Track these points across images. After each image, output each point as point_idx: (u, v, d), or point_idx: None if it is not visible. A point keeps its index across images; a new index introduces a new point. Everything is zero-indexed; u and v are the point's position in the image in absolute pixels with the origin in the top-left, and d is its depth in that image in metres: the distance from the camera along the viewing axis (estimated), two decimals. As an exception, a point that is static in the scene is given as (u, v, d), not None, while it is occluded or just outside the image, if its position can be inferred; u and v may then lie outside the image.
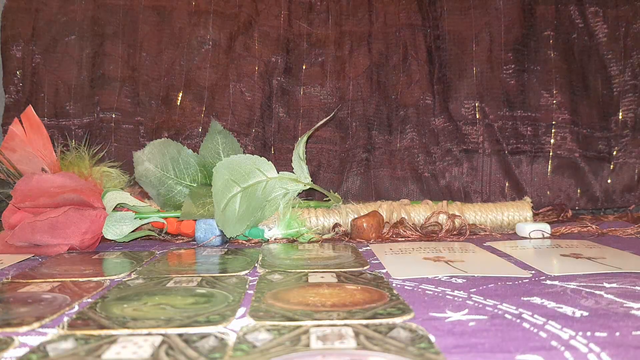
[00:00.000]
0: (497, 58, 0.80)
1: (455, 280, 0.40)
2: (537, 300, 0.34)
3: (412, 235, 0.62)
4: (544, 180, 0.80)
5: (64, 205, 0.54)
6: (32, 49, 0.81)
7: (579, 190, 0.80)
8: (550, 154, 0.79)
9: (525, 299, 0.35)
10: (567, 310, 0.32)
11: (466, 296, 0.35)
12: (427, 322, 0.30)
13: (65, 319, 0.31)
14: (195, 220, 0.59)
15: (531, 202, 0.69)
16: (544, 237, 0.61)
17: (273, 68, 0.81)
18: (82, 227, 0.54)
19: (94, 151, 0.61)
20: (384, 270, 0.44)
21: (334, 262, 0.47)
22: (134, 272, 0.44)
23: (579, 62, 0.80)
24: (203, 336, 0.27)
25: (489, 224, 0.67)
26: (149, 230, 0.61)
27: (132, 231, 0.58)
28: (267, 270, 0.44)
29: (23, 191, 0.53)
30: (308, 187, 0.63)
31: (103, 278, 0.42)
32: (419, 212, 0.67)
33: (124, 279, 0.42)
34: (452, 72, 0.81)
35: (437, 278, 0.41)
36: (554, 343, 0.26)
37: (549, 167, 0.79)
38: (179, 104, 0.81)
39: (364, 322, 0.29)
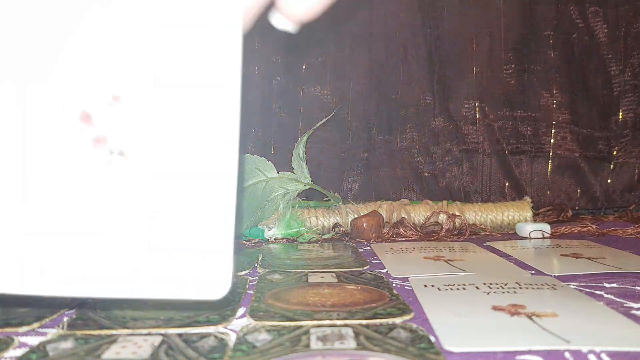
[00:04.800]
0: (497, 58, 0.80)
1: (456, 280, 0.40)
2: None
3: (413, 235, 0.62)
4: (544, 180, 0.80)
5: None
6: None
7: (579, 190, 0.80)
8: (550, 153, 0.79)
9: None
10: (568, 310, 0.32)
11: (466, 296, 0.35)
12: (427, 322, 0.30)
13: (65, 318, 0.31)
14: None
15: (531, 202, 0.69)
16: (544, 237, 0.61)
17: (273, 68, 0.81)
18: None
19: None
20: (384, 270, 0.44)
21: (334, 262, 0.47)
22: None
23: (579, 62, 0.80)
24: (203, 336, 0.27)
25: (489, 223, 0.67)
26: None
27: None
28: (267, 270, 0.44)
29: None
30: (308, 187, 0.63)
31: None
32: (419, 212, 0.67)
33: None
34: (452, 72, 0.81)
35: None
36: (554, 343, 0.26)
37: (549, 167, 0.79)
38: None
39: (364, 322, 0.29)
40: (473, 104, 0.80)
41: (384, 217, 0.65)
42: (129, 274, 0.23)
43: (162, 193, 0.23)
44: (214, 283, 0.22)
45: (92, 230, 0.23)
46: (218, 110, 0.23)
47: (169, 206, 0.23)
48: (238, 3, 0.22)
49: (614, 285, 0.38)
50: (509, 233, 0.65)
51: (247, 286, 0.39)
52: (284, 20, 0.25)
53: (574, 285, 0.38)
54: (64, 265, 0.23)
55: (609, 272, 0.42)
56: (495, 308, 0.32)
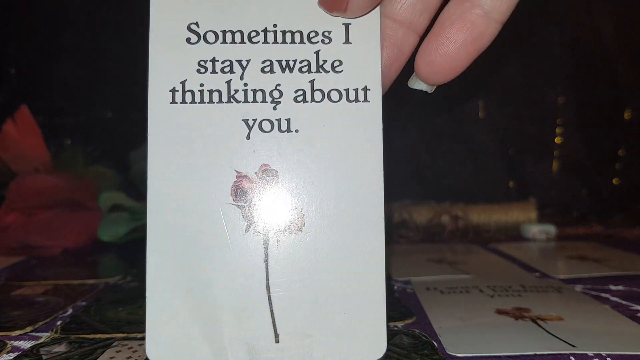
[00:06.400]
0: (501, 55, 0.79)
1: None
2: (542, 303, 0.34)
3: (415, 236, 0.62)
4: (549, 180, 0.79)
5: (57, 206, 0.53)
6: (27, 46, 0.80)
7: (584, 191, 0.79)
8: (555, 153, 0.79)
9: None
10: (574, 313, 0.31)
11: (470, 299, 0.35)
12: (429, 326, 0.29)
13: (59, 322, 0.30)
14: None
15: (536, 203, 0.69)
16: (548, 239, 0.61)
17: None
18: (76, 228, 0.53)
19: (89, 151, 0.60)
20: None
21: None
22: (129, 275, 0.43)
23: (585, 60, 0.79)
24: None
25: (493, 225, 0.66)
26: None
27: (128, 232, 0.57)
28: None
29: (16, 192, 0.53)
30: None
31: (97, 281, 0.41)
32: (421, 213, 0.67)
33: (118, 282, 0.41)
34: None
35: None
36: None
37: (554, 166, 0.79)
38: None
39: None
40: (476, 103, 0.80)
41: (386, 218, 0.64)
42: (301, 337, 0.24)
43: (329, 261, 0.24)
44: (373, 346, 0.23)
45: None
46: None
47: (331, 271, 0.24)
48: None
49: (620, 287, 0.38)
50: (513, 234, 0.65)
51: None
52: (422, 82, 0.27)
53: (579, 287, 0.38)
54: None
55: (615, 275, 0.41)
56: (499, 311, 0.31)
